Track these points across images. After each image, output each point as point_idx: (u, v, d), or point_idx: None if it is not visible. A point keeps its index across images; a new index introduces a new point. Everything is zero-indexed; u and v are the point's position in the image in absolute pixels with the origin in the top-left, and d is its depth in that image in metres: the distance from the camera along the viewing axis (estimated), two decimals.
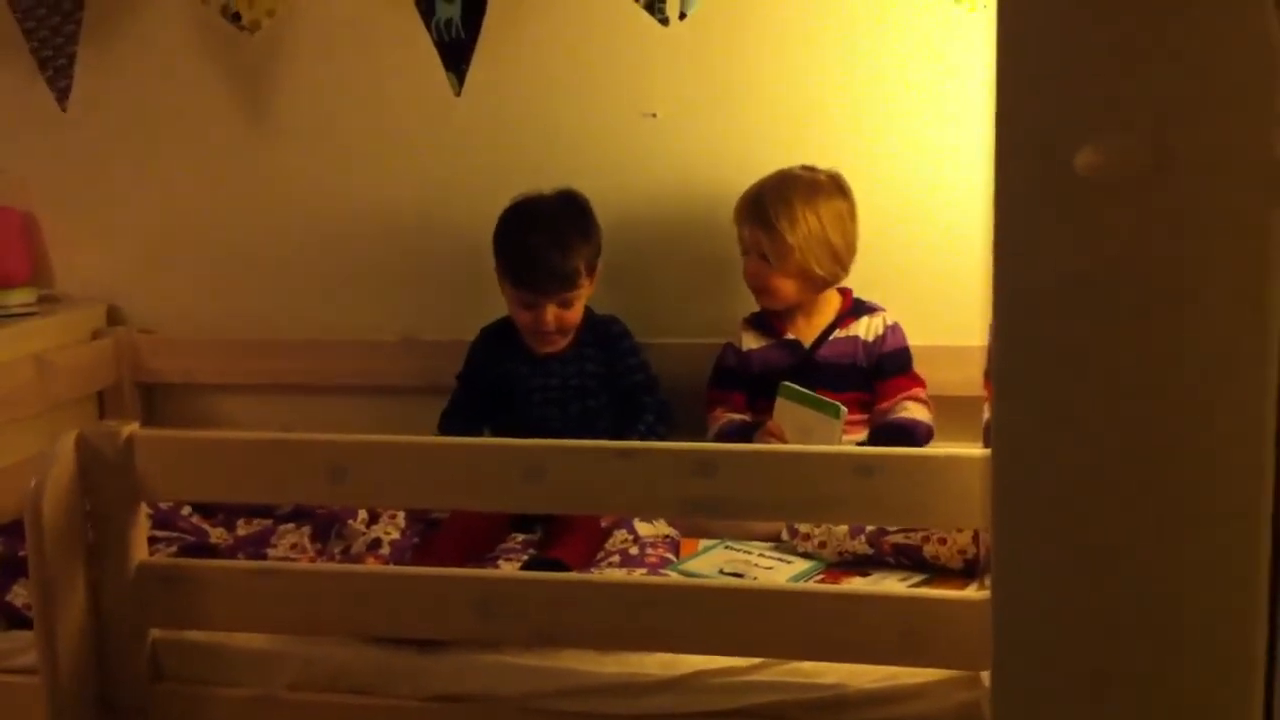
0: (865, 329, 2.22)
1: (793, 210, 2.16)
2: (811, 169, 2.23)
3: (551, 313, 2.18)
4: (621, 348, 2.27)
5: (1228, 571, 1.18)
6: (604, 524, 2.10)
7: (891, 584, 1.92)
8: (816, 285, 2.21)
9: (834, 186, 2.21)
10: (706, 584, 1.86)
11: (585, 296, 2.22)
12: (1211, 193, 1.13)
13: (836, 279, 2.22)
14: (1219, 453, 1.16)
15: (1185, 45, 1.11)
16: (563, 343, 2.23)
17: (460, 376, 2.31)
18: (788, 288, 2.20)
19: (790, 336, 2.24)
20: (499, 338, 2.29)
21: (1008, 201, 1.17)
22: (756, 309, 2.29)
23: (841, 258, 2.20)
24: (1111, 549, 1.21)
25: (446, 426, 2.28)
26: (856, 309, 2.25)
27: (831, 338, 2.23)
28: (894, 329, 2.22)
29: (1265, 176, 1.11)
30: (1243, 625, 1.19)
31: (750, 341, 2.26)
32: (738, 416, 2.22)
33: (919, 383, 2.20)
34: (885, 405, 2.19)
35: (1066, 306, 1.17)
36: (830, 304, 2.26)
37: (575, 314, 2.21)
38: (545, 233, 2.18)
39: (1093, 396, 1.18)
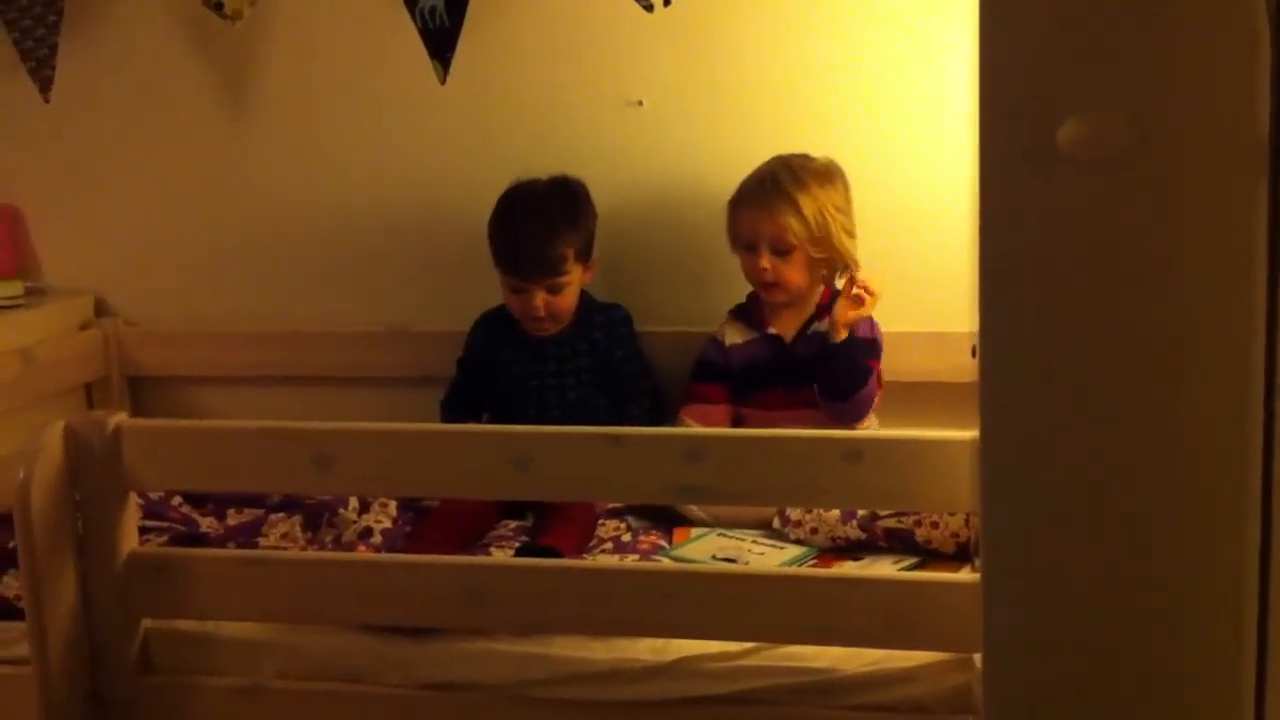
0: None
1: (799, 198, 2.11)
2: (807, 156, 2.19)
3: (540, 298, 2.18)
4: (618, 334, 2.27)
5: (1217, 550, 1.18)
6: (597, 510, 2.10)
7: (884, 567, 1.92)
8: (819, 275, 2.18)
9: (832, 173, 2.17)
10: (698, 569, 1.86)
11: (577, 283, 2.22)
12: (1196, 168, 1.13)
13: (834, 269, 2.18)
14: (1207, 428, 1.16)
15: (1169, 21, 1.11)
16: (554, 328, 2.23)
17: (460, 362, 2.31)
18: (798, 279, 2.16)
19: (772, 331, 2.22)
20: (498, 323, 2.29)
21: (991, 178, 1.17)
22: (741, 299, 2.27)
23: (847, 245, 2.15)
24: (1101, 528, 1.21)
25: (446, 413, 2.29)
26: (836, 300, 2.19)
27: (810, 331, 2.20)
28: (867, 320, 2.17)
29: (1249, 152, 1.11)
30: (1233, 604, 1.19)
31: (733, 336, 2.25)
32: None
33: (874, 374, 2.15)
34: None
35: (1051, 284, 1.17)
36: (815, 296, 2.22)
37: (566, 300, 2.21)
38: (531, 220, 2.19)
39: (1079, 373, 1.18)
